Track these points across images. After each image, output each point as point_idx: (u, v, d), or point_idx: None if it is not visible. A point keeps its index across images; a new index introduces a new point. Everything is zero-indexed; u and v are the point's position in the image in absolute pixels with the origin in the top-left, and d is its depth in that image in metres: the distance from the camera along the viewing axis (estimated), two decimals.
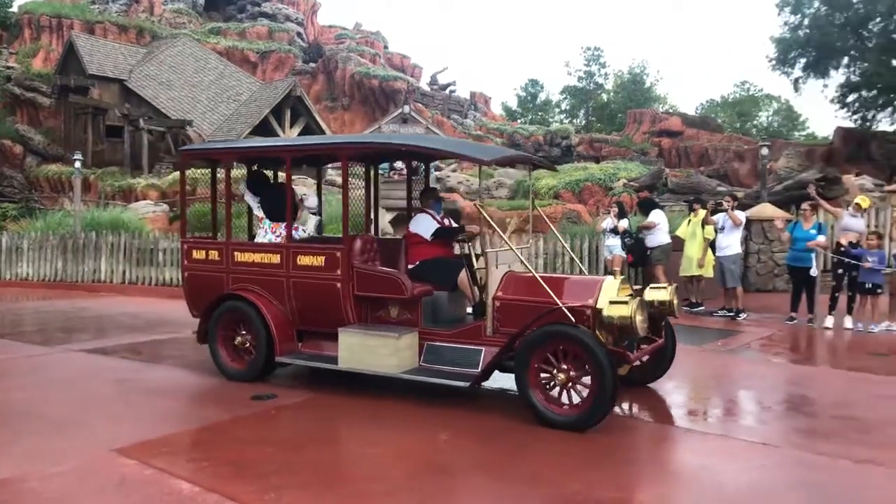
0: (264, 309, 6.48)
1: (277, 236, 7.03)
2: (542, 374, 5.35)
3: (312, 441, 5.05)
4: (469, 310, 6.61)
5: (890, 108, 29.05)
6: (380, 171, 8.71)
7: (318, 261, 6.36)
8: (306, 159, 8.14)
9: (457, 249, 7.03)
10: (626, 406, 5.97)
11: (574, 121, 57.34)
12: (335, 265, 6.27)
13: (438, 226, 6.66)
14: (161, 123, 27.52)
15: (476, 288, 6.47)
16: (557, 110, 61.74)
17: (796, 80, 29.87)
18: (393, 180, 14.08)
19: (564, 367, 5.23)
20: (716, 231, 10.80)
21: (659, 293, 6.22)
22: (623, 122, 46.90)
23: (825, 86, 35.41)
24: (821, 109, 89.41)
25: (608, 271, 10.29)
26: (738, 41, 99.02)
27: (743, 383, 7.10)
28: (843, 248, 9.71)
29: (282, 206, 6.87)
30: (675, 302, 6.24)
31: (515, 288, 5.90)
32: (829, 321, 9.68)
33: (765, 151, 14.33)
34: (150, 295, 13.96)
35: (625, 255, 11.22)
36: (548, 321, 5.39)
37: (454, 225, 7.04)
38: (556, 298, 5.50)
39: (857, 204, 10.27)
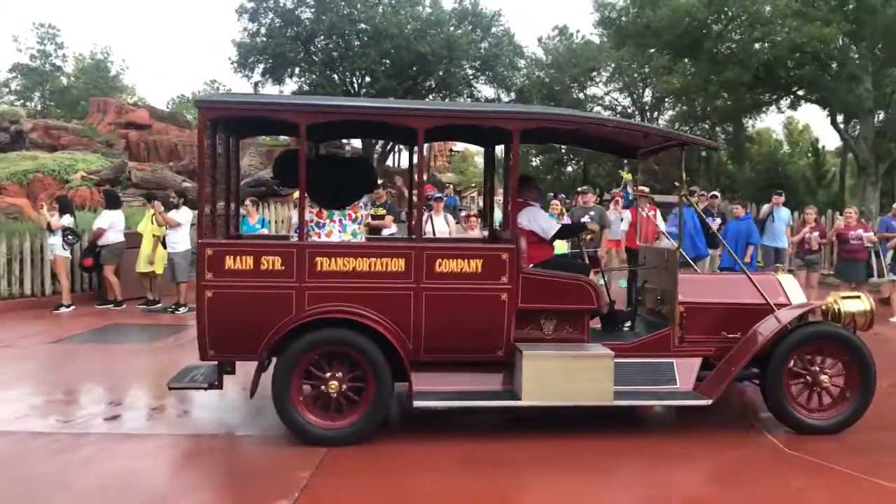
0: (392, 336, 4.80)
1: (359, 223, 5.28)
2: (794, 381, 5.24)
3: None
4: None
5: None
6: None
7: (473, 266, 4.93)
8: (445, 131, 5.74)
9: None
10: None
11: (28, 104, 50.74)
12: (499, 270, 4.96)
13: (559, 224, 5.91)
14: None
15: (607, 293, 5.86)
16: (6, 90, 53.74)
17: (256, 84, 31.99)
18: None
19: (816, 369, 5.24)
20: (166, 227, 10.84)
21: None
22: (86, 110, 43.36)
23: (280, 92, 38.57)
24: None
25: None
26: (209, 40, 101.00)
27: None
28: None
29: (348, 185, 5.29)
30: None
31: (696, 291, 5.51)
32: None
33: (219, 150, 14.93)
34: None
35: (67, 255, 10.46)
36: (794, 325, 5.23)
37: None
38: (769, 299, 5.36)
39: None
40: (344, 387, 4.86)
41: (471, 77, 33.06)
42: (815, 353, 5.27)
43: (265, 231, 10.73)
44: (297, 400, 4.83)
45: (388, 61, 30.15)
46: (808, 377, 5.25)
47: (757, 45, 23.13)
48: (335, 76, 31.41)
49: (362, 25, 29.94)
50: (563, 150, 34.09)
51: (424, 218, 11.08)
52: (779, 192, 11.84)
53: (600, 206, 11.68)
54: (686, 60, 25.84)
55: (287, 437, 5.09)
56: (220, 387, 5.09)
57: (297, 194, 11.57)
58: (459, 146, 54.69)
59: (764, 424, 5.55)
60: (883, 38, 21.12)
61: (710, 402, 4.99)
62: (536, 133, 5.64)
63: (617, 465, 4.69)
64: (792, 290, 5.64)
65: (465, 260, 4.94)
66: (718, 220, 11.17)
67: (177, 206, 10.84)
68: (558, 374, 4.86)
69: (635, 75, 33.03)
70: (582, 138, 6.39)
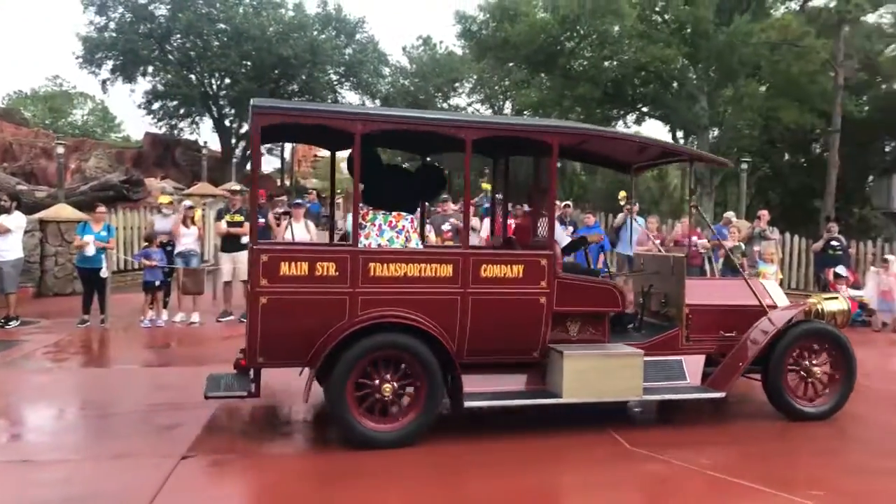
0: (444, 340, 5.03)
1: (399, 232, 5.39)
2: (790, 374, 5.78)
3: None
4: None
5: (189, 119, 31.99)
6: None
7: (515, 271, 5.26)
8: (491, 144, 5.82)
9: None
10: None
11: None
12: (539, 275, 5.30)
13: (568, 239, 6.21)
14: None
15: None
16: None
17: (104, 82, 30.14)
18: None
19: (807, 363, 5.81)
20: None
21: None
22: None
23: (132, 91, 36.60)
24: (139, 113, 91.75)
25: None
26: (51, 32, 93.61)
27: (27, 395, 6.68)
28: (165, 247, 10.22)
29: (407, 191, 5.68)
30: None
31: (699, 294, 5.96)
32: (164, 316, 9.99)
33: (60, 150, 14.00)
34: None
35: None
36: (793, 325, 5.79)
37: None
38: (762, 301, 5.93)
39: (169, 204, 11.15)
40: (396, 388, 4.99)
41: (335, 83, 32.78)
42: (807, 349, 5.87)
43: (96, 243, 9.93)
44: (353, 404, 4.92)
45: (249, 63, 29.27)
46: (802, 370, 5.85)
47: (606, 63, 24.56)
48: (192, 76, 30.11)
49: (222, 25, 28.91)
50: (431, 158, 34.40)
51: (284, 224, 10.94)
52: (634, 202, 12.53)
53: (459, 214, 11.91)
54: (542, 75, 26.99)
55: (130, 455, 4.82)
56: (257, 395, 5.15)
57: (163, 199, 11.19)
58: (324, 152, 53.94)
59: (609, 422, 5.88)
60: (716, 61, 23.06)
61: (723, 394, 5.59)
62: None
63: (457, 470, 4.78)
64: (775, 292, 6.33)
65: (509, 265, 5.27)
66: (571, 228, 11.71)
67: (8, 211, 9.97)
68: (595, 373, 5.27)
69: (496, 87, 34.01)
70: (583, 152, 6.65)
